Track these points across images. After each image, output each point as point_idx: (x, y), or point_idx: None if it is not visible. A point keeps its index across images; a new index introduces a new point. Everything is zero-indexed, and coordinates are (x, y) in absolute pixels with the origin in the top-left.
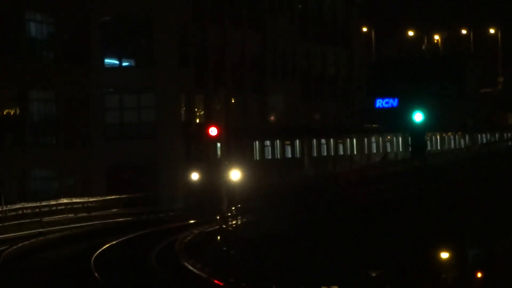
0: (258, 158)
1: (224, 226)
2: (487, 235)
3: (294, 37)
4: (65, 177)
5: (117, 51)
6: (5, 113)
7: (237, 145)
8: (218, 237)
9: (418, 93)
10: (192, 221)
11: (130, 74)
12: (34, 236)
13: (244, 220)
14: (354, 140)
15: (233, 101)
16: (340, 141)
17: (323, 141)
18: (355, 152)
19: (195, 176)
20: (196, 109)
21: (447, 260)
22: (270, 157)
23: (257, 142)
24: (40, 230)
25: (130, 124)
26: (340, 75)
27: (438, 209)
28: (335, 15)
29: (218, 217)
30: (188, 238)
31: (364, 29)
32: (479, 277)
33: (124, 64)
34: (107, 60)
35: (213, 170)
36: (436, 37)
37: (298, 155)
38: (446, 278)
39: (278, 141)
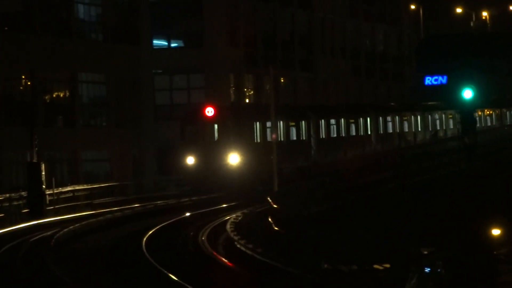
0: (324, 137)
1: (275, 206)
2: None
3: (343, 15)
4: (116, 158)
5: (166, 32)
6: (55, 95)
7: (238, 126)
8: (269, 218)
9: (467, 70)
10: (233, 203)
11: (179, 54)
12: (85, 218)
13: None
14: (419, 118)
15: (282, 80)
16: (406, 118)
17: (388, 118)
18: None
19: (190, 160)
20: (245, 89)
21: (499, 236)
22: (335, 135)
23: (323, 120)
24: (92, 212)
25: (179, 105)
26: (390, 53)
27: (489, 186)
28: None
29: (268, 198)
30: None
31: (412, 7)
32: None
33: (173, 45)
34: (155, 41)
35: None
36: (484, 13)
37: (362, 133)
38: (498, 255)
39: (343, 119)
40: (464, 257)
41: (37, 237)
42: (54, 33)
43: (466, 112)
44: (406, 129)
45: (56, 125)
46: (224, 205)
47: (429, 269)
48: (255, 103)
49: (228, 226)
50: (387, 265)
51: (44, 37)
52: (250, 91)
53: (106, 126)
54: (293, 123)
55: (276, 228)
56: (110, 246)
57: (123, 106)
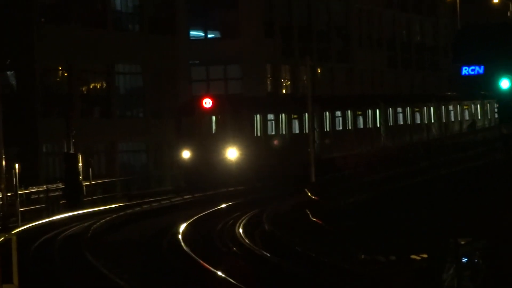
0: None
1: (313, 197)
2: None
3: (379, 5)
4: (153, 149)
5: (202, 22)
6: (91, 86)
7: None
8: (307, 210)
9: (505, 60)
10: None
11: (215, 45)
12: (122, 209)
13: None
14: (457, 107)
15: (319, 70)
16: (451, 107)
17: (450, 107)
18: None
19: (186, 154)
20: (282, 80)
21: None
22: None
23: (369, 110)
24: (128, 203)
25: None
26: (426, 43)
27: None
28: None
29: (306, 189)
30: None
31: None
32: None
33: (210, 35)
34: (192, 32)
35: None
36: None
37: (409, 122)
38: None
39: (390, 108)
40: (501, 247)
41: (74, 228)
42: (91, 24)
43: (503, 102)
44: (452, 119)
45: (93, 116)
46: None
47: (466, 259)
48: (253, 95)
49: (264, 217)
50: (425, 256)
51: (81, 29)
52: (287, 82)
53: (142, 117)
54: (295, 116)
55: (313, 219)
56: (149, 236)
57: (159, 97)
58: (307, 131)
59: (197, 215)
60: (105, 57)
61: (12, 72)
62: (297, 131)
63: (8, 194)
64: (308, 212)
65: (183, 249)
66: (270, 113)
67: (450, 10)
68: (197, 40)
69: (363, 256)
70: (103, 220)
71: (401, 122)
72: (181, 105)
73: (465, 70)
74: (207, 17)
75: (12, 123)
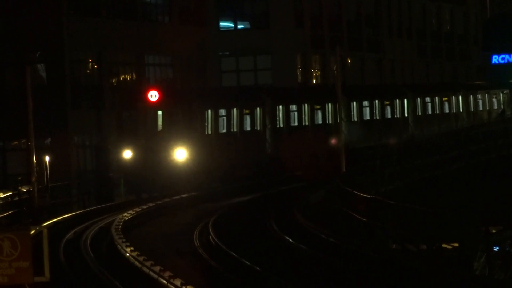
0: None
1: (344, 187)
2: None
3: None
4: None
5: (232, 13)
6: (121, 78)
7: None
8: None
9: None
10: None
11: (245, 36)
12: (152, 201)
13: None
14: (485, 96)
15: (349, 60)
16: (479, 96)
17: (479, 96)
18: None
19: (127, 153)
20: (312, 70)
21: None
22: (430, 112)
23: (397, 100)
24: (156, 194)
25: (246, 87)
26: (456, 32)
27: None
28: None
29: (337, 179)
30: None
31: None
32: None
33: (240, 26)
34: (222, 23)
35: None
36: None
37: (454, 110)
38: None
39: (437, 97)
40: None
41: (105, 220)
42: (121, 16)
43: None
44: (481, 108)
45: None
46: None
47: (497, 247)
48: (204, 87)
49: (295, 209)
50: (456, 244)
51: (111, 20)
52: (317, 72)
53: None
54: (247, 111)
55: (344, 210)
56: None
57: (190, 88)
58: (258, 128)
59: None
60: (134, 49)
61: (41, 64)
62: (249, 128)
63: (39, 187)
64: (339, 202)
65: None
66: (222, 108)
67: None
68: (227, 31)
69: (394, 246)
70: (133, 212)
71: (430, 112)
72: (122, 97)
73: (495, 59)
74: (236, 7)
75: (43, 115)
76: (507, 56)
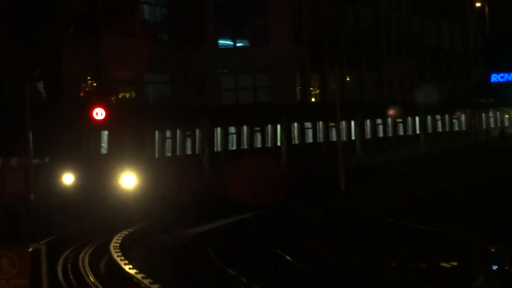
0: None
1: (342, 204)
2: None
3: (407, 12)
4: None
5: (231, 31)
6: (120, 96)
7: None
8: (338, 215)
9: None
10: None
11: (244, 54)
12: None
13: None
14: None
15: (348, 78)
16: (491, 113)
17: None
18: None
19: (68, 178)
20: (311, 88)
21: None
22: (437, 130)
23: (409, 118)
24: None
25: (245, 105)
26: (455, 50)
27: None
28: None
29: (337, 195)
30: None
31: (478, 4)
32: None
33: (239, 44)
34: (221, 41)
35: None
36: None
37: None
38: None
39: (429, 116)
40: None
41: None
42: (120, 33)
43: None
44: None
45: None
46: None
47: (496, 266)
48: (157, 106)
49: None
50: (454, 263)
51: (110, 38)
52: (316, 90)
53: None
54: (189, 133)
55: (344, 227)
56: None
57: (189, 106)
58: (197, 152)
59: None
60: (134, 66)
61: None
62: (190, 152)
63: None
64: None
65: None
66: (169, 129)
67: (479, 17)
68: (226, 48)
69: (393, 264)
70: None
71: (440, 129)
72: (63, 114)
73: (494, 78)
74: (235, 25)
75: (41, 132)
76: (506, 75)
